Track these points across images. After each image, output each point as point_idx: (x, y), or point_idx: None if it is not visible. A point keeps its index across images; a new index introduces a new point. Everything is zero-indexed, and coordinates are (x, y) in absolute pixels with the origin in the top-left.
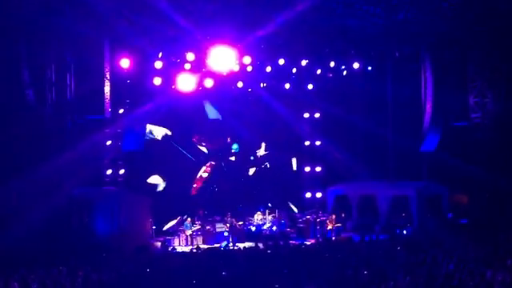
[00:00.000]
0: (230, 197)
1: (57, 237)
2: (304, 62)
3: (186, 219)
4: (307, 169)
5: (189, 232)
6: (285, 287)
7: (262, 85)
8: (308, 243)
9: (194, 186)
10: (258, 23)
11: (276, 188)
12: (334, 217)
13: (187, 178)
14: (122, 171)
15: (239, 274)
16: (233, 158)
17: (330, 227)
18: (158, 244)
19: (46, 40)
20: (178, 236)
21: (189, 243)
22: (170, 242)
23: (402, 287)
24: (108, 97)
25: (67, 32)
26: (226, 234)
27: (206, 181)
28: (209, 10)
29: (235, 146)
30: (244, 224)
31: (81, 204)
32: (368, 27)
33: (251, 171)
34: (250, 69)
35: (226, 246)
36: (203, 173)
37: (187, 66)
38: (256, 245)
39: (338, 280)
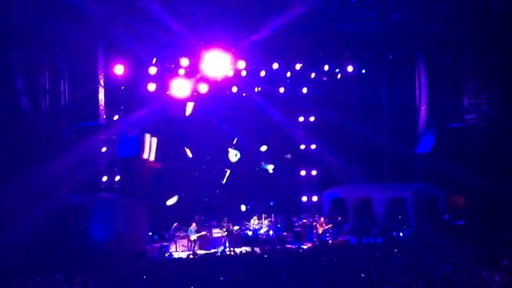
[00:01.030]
0: (226, 201)
1: (53, 243)
2: (298, 66)
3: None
4: (303, 172)
5: (193, 237)
6: None
7: (256, 89)
8: (305, 247)
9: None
10: (251, 28)
11: (273, 192)
12: (322, 219)
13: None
14: (117, 177)
15: (237, 279)
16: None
17: (320, 231)
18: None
19: (39, 47)
20: (175, 242)
21: (190, 248)
22: (166, 248)
23: None
24: (102, 103)
25: (61, 39)
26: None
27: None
28: (202, 15)
29: (234, 155)
30: (240, 229)
31: (77, 211)
32: (361, 30)
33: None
34: (244, 73)
35: (223, 251)
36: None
37: (181, 72)
38: (253, 249)
39: (335, 283)
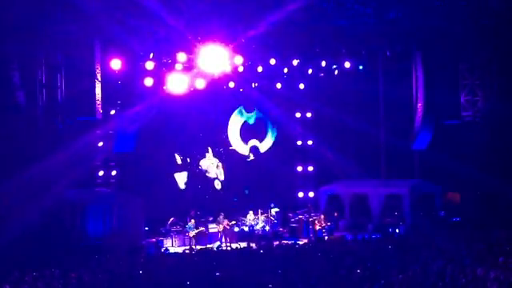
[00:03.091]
0: (223, 197)
1: (49, 239)
2: (295, 62)
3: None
4: (299, 168)
5: (192, 233)
6: (279, 287)
7: (253, 85)
8: (301, 243)
9: None
10: (249, 23)
11: (269, 188)
12: (322, 216)
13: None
14: (113, 172)
15: (233, 275)
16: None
17: (318, 227)
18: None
19: (36, 41)
20: (171, 237)
21: (186, 243)
22: (162, 243)
23: (394, 285)
24: (99, 98)
25: (58, 33)
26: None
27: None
28: (200, 10)
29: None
30: (237, 224)
31: (73, 205)
32: (359, 26)
33: None
34: (241, 69)
35: (219, 246)
36: None
37: (178, 67)
38: (249, 245)
39: (331, 279)
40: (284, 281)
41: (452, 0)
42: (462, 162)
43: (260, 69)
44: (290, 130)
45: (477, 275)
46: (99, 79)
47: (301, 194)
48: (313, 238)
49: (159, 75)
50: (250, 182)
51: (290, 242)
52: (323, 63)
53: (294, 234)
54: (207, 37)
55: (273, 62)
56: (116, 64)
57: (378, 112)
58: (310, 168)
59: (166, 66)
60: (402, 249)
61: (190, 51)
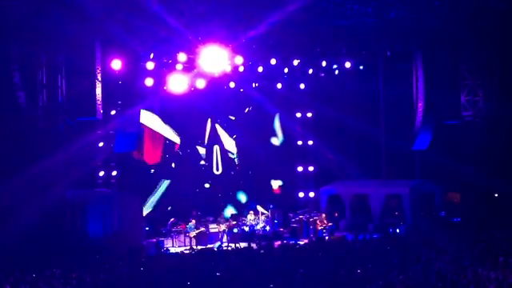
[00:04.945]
0: (222, 197)
1: (50, 239)
2: (296, 62)
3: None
4: (300, 168)
5: (193, 234)
6: (279, 287)
7: (253, 85)
8: (301, 243)
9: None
10: (249, 23)
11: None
12: (324, 216)
13: (179, 179)
14: (114, 173)
15: (233, 275)
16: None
17: (321, 227)
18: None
19: (37, 42)
20: (172, 237)
21: (186, 243)
22: (162, 243)
23: (395, 285)
24: (100, 98)
25: (58, 34)
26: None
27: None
28: (200, 11)
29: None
30: (237, 224)
31: (73, 206)
32: (359, 26)
33: None
34: (241, 69)
35: (220, 246)
36: None
37: (179, 67)
38: (249, 245)
39: (331, 279)
40: (284, 281)
41: (452, 0)
42: (462, 162)
43: (260, 69)
44: (290, 130)
45: (477, 275)
46: (100, 79)
47: (301, 194)
48: (313, 238)
49: (160, 75)
50: (251, 182)
51: (290, 242)
52: (324, 63)
53: (295, 235)
54: (208, 37)
55: (273, 62)
56: (116, 64)
57: (379, 112)
58: (311, 168)
59: (166, 66)
60: (403, 249)
61: (190, 51)
